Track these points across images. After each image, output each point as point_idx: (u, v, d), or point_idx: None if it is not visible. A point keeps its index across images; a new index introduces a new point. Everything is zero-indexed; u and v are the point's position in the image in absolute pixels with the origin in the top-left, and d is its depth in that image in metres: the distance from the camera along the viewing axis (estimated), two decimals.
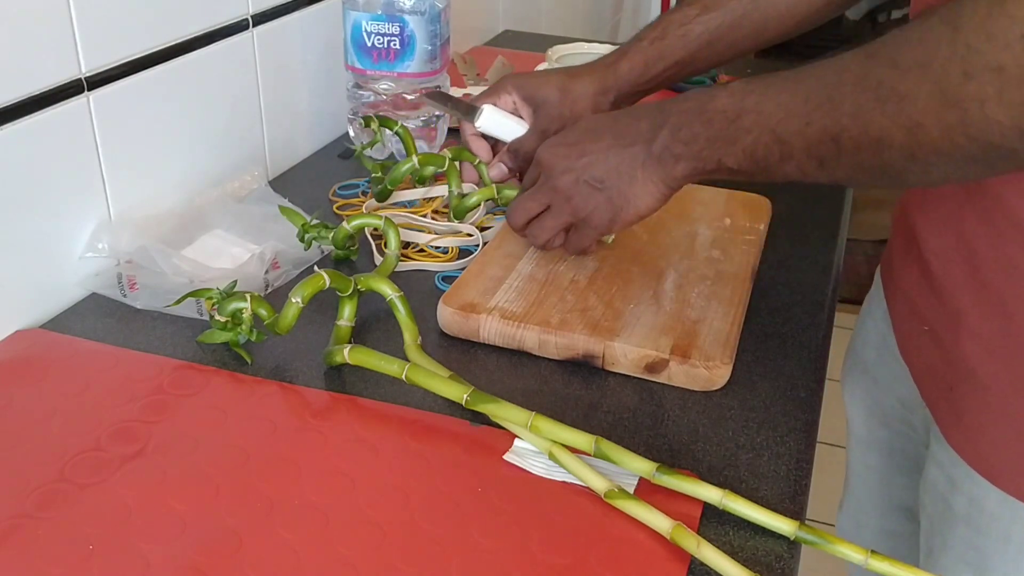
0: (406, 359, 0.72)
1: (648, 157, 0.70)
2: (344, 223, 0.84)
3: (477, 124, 0.89)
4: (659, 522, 0.58)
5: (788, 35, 0.88)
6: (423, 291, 0.84)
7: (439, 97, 0.96)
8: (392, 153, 1.06)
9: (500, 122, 0.89)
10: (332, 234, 0.85)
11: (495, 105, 0.89)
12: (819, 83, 0.59)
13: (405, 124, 1.04)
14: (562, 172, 0.74)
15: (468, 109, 0.90)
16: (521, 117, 0.90)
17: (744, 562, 0.56)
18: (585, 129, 0.75)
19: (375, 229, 0.89)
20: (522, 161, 0.88)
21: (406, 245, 0.90)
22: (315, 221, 0.86)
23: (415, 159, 0.94)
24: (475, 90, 1.30)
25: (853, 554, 0.57)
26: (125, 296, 0.80)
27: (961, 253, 0.68)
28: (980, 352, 0.68)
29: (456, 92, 1.27)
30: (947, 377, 0.72)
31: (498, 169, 0.90)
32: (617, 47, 0.91)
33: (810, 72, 0.61)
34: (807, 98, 0.60)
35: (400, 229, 0.88)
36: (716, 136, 0.65)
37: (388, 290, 0.76)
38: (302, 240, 0.85)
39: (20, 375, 0.71)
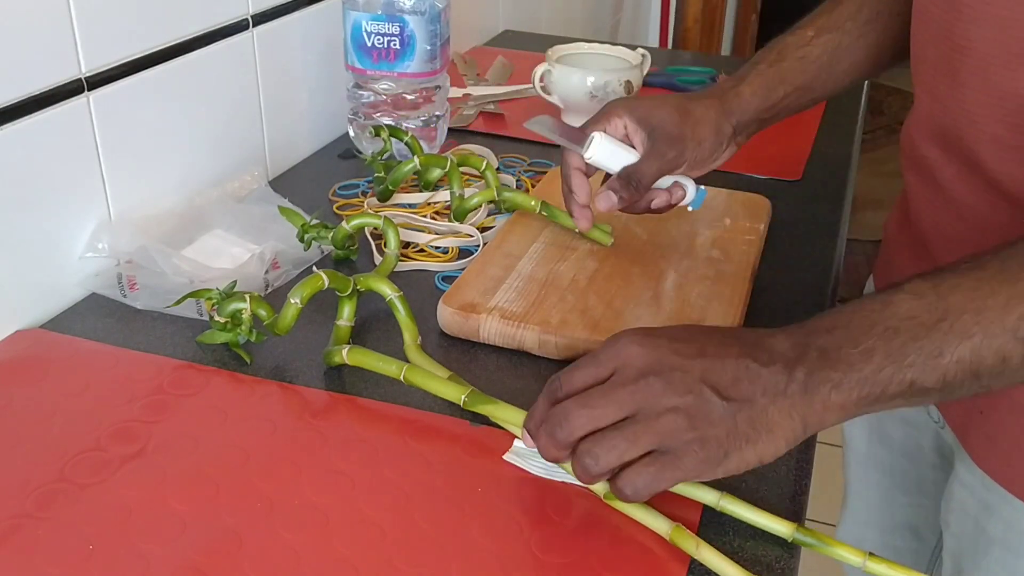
0: (406, 359, 0.72)
1: (790, 383, 0.52)
2: (343, 223, 0.84)
3: (587, 155, 0.77)
4: (658, 523, 0.58)
5: (906, 58, 0.78)
6: (423, 291, 0.84)
7: (547, 124, 0.82)
8: (392, 153, 1.06)
9: (612, 151, 0.78)
10: (332, 234, 0.85)
11: (605, 132, 0.78)
12: None
13: (405, 124, 1.05)
14: (670, 368, 0.53)
15: (577, 136, 0.79)
16: (631, 145, 0.79)
17: (743, 563, 0.56)
18: (695, 331, 0.57)
19: (375, 229, 0.89)
20: (634, 190, 0.77)
21: (406, 245, 0.90)
22: (315, 221, 0.86)
23: (416, 160, 0.94)
24: (475, 90, 1.30)
25: (851, 556, 0.57)
26: (125, 296, 0.80)
27: None
28: None
29: (456, 92, 1.28)
30: (976, 401, 0.70)
31: (607, 198, 0.77)
32: (729, 75, 0.83)
33: None
34: None
35: (400, 229, 0.89)
36: (905, 349, 0.51)
37: (388, 290, 0.76)
38: (302, 240, 0.85)
39: (20, 375, 0.71)
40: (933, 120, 0.69)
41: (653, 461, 0.53)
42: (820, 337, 0.53)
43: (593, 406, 0.53)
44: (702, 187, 0.82)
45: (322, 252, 0.89)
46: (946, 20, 0.64)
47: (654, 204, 0.81)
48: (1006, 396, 0.67)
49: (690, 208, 0.82)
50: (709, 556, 0.55)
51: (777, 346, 0.53)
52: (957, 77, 0.64)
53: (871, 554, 0.56)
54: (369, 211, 0.94)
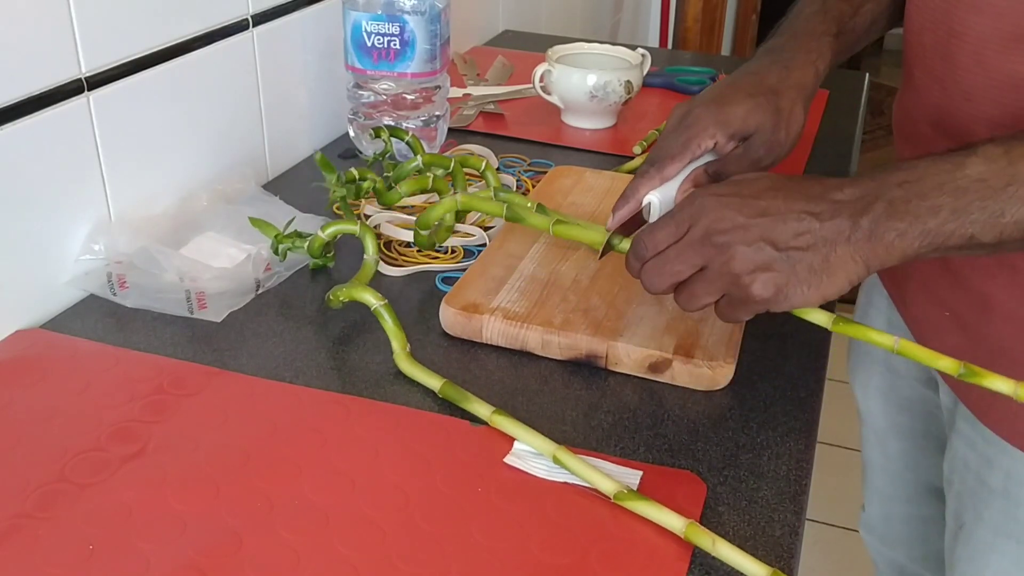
0: (396, 367, 0.72)
1: (855, 231, 0.58)
2: (319, 231, 0.82)
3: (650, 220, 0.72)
4: (672, 521, 0.58)
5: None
6: (425, 292, 0.84)
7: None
8: (393, 154, 1.06)
9: (670, 201, 0.73)
10: (308, 243, 0.83)
11: (693, 153, 0.72)
12: None
13: (405, 124, 1.05)
14: (733, 227, 0.59)
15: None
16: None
17: None
18: (764, 187, 0.61)
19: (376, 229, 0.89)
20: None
21: (407, 246, 0.90)
22: (288, 231, 0.84)
23: (420, 158, 0.93)
24: (475, 90, 1.30)
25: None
26: (115, 295, 0.80)
27: None
28: (1014, 332, 0.69)
29: (456, 92, 1.27)
30: (975, 359, 0.71)
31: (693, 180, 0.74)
32: (797, 36, 0.77)
33: None
34: None
35: (402, 229, 0.88)
36: (970, 207, 0.56)
37: (372, 299, 0.74)
38: (276, 252, 0.83)
39: (20, 375, 0.71)
40: (929, 100, 0.72)
41: (728, 303, 0.62)
42: (890, 190, 0.58)
43: (669, 271, 0.63)
44: None
45: None
46: (944, 8, 0.68)
47: None
48: (1005, 354, 0.70)
49: None
50: (726, 551, 0.55)
51: (843, 197, 0.58)
52: (953, 60, 0.68)
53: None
54: (378, 211, 0.94)
